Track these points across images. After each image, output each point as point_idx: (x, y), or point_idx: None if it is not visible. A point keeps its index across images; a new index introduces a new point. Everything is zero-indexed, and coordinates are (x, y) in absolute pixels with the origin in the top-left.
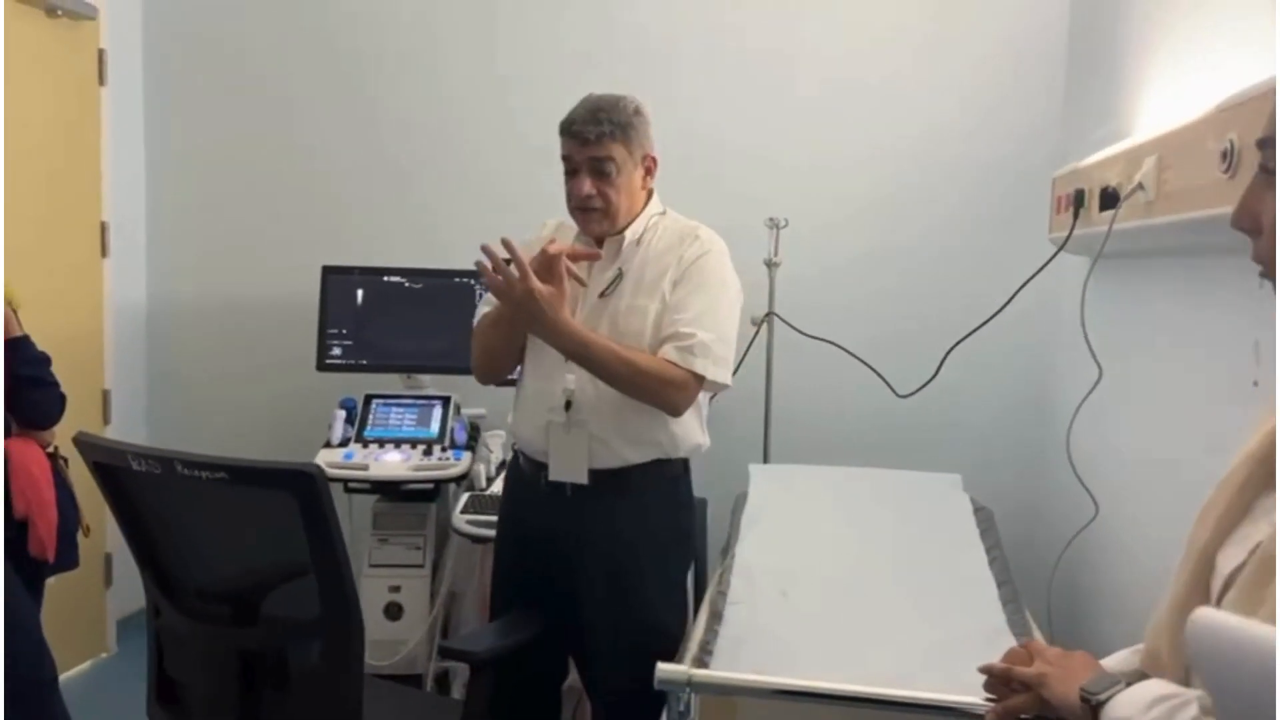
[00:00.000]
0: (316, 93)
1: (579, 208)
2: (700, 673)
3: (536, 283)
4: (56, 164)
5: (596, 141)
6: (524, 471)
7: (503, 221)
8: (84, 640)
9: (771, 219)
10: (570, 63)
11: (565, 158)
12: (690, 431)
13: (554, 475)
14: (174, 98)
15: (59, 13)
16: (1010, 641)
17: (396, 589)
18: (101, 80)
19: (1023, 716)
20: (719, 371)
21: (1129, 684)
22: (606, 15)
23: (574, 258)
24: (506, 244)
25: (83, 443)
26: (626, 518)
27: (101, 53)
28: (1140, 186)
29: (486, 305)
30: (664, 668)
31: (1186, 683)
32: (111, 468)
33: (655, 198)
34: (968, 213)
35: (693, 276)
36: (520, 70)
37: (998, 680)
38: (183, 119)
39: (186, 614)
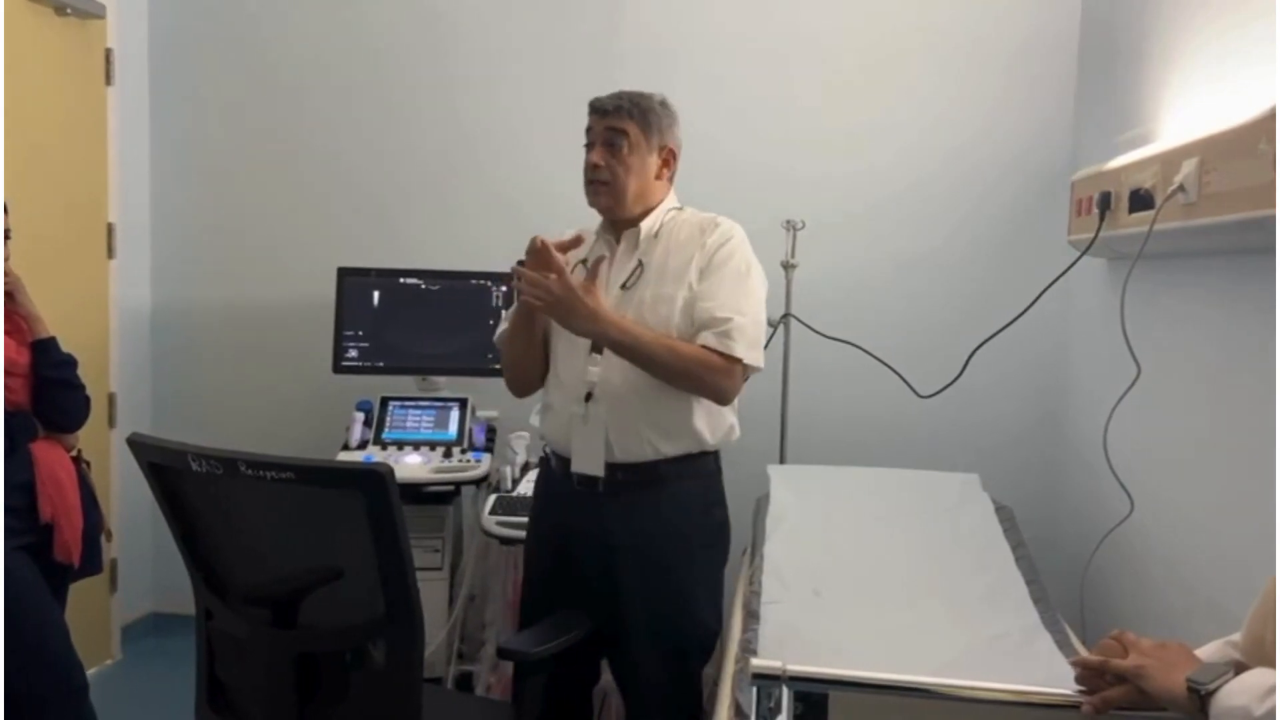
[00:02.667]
0: (327, 93)
1: (587, 179)
2: (796, 667)
3: (570, 277)
4: (63, 164)
5: (614, 113)
6: (554, 471)
7: (518, 223)
8: (89, 647)
9: (789, 221)
10: (586, 64)
11: (586, 131)
12: (724, 416)
13: (575, 466)
14: (181, 97)
15: (68, 11)
16: (1047, 639)
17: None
18: (109, 80)
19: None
20: (755, 354)
21: (1236, 673)
22: (621, 18)
23: (559, 248)
24: (543, 243)
25: (137, 443)
26: (661, 514)
27: (109, 52)
28: (1181, 189)
29: (505, 323)
30: (758, 662)
31: None
32: (168, 469)
33: (673, 194)
34: (982, 214)
35: (719, 262)
36: (536, 71)
37: (1092, 672)
38: (190, 119)
39: (241, 617)
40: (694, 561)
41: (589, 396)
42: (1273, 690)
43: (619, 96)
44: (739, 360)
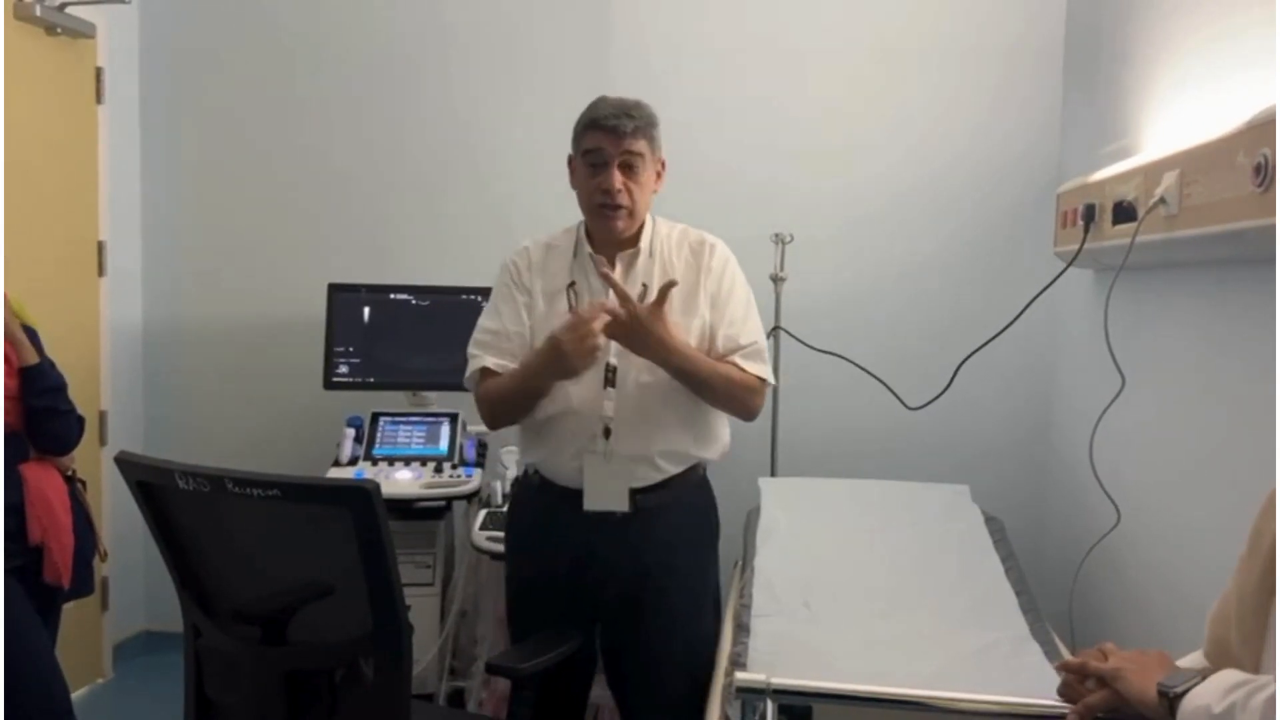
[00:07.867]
0: (316, 111)
1: (606, 203)
2: (780, 680)
3: (641, 308)
4: (54, 182)
5: (631, 135)
6: (554, 500)
7: (508, 237)
8: (80, 666)
9: (777, 234)
10: (576, 78)
11: (592, 150)
12: (725, 431)
13: (589, 506)
14: (172, 116)
15: (58, 30)
16: (1036, 649)
17: (407, 608)
18: (99, 98)
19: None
20: (770, 371)
21: (1205, 678)
22: (612, 31)
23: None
24: (610, 280)
25: (125, 462)
26: (664, 527)
27: (99, 71)
28: (1162, 201)
29: (486, 356)
30: (742, 675)
31: (1258, 671)
32: (155, 486)
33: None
34: (969, 226)
35: (729, 289)
36: (525, 85)
37: (1074, 674)
38: (180, 137)
39: (230, 635)
40: (706, 566)
41: (607, 433)
42: (1233, 688)
43: (629, 114)
44: (766, 381)
